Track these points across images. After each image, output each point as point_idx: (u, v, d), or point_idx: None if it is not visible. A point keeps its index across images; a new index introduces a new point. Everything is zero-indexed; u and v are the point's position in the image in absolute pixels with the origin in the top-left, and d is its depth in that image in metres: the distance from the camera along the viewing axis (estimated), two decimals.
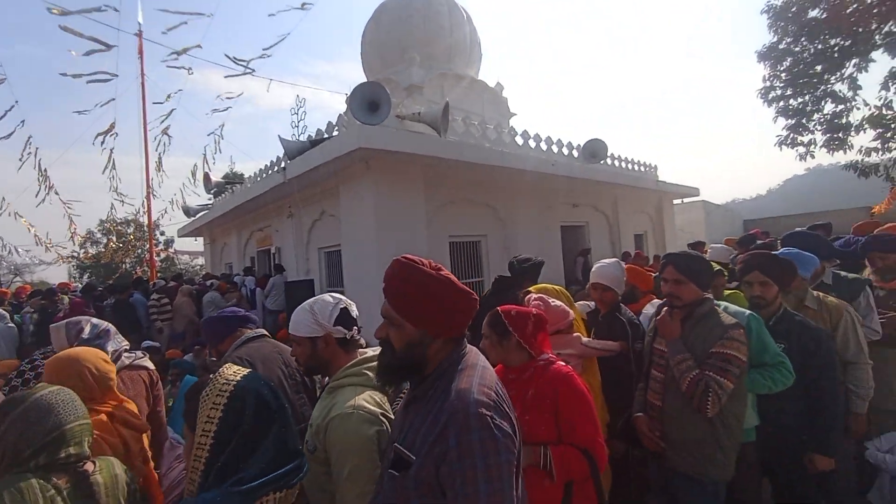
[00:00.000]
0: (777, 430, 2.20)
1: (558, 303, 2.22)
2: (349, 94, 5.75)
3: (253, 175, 9.08)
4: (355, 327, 1.60)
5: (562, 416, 1.59)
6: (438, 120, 5.93)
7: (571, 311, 2.29)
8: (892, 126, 8.59)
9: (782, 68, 9.19)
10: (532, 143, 7.74)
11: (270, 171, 7.64)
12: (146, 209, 14.77)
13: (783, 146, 9.70)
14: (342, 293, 6.40)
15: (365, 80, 9.75)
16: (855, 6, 7.96)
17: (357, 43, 10.94)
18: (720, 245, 4.94)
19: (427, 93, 8.71)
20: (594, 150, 8.32)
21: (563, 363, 1.74)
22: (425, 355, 1.08)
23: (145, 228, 17.70)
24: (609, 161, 9.15)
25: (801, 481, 2.21)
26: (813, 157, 9.57)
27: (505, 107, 10.44)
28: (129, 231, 23.04)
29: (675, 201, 12.71)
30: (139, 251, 22.68)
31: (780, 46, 9.06)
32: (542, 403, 1.62)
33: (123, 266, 21.12)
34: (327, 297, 1.61)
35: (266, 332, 2.13)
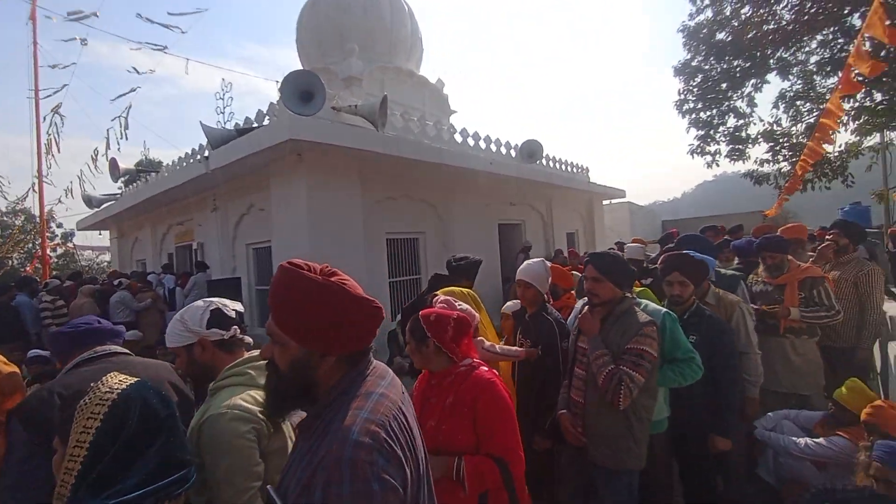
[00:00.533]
0: (686, 414, 2.38)
1: (465, 306, 2.18)
2: (281, 82, 5.41)
3: (171, 164, 8.33)
4: (234, 326, 1.54)
5: (480, 424, 1.56)
6: (376, 113, 5.76)
7: (477, 315, 2.27)
8: (781, 141, 9.80)
9: (694, 84, 10.11)
10: (471, 142, 7.79)
11: (192, 161, 7.02)
12: (39, 197, 12.94)
13: (694, 154, 10.66)
14: None
15: (301, 67, 9.31)
16: (754, 33, 8.91)
17: (293, 28, 10.38)
18: (634, 244, 5.25)
19: (366, 86, 8.47)
20: (531, 150, 8.55)
21: (487, 368, 1.70)
22: (314, 378, 0.91)
23: (37, 219, 15.55)
24: (545, 161, 9.47)
25: (703, 461, 2.45)
26: (718, 165, 10.63)
27: (446, 103, 10.44)
28: (16, 222, 20.15)
29: (605, 202, 13.45)
30: (30, 245, 19.78)
31: (693, 63, 9.97)
32: (461, 410, 1.58)
33: (10, 262, 18.46)
34: (198, 302, 1.57)
35: (123, 350, 1.71)
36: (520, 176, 8.01)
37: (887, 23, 2.77)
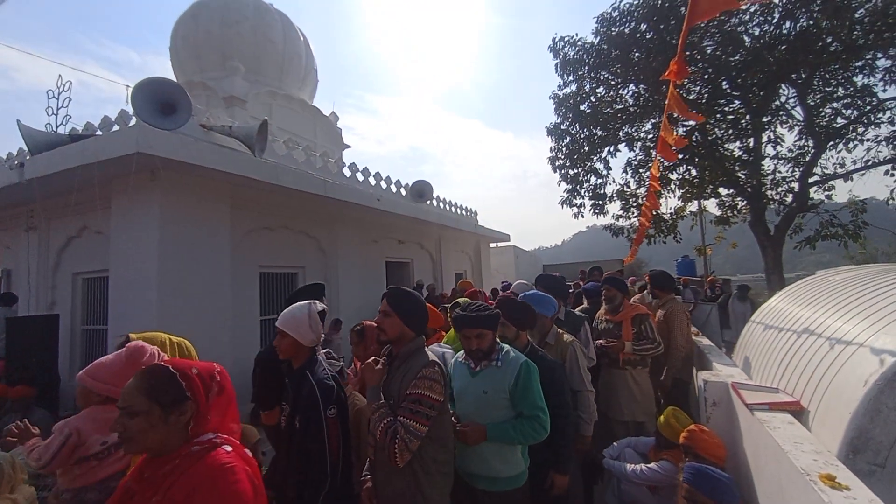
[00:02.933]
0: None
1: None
2: (133, 88, 4.70)
3: None
4: None
5: None
6: (254, 137, 5.33)
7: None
8: (630, 201, 11.49)
9: (563, 144, 11.53)
10: (360, 177, 7.65)
11: (2, 167, 5.71)
12: None
13: (564, 205, 11.93)
14: (104, 332, 5.04)
15: (175, 80, 8.42)
16: (607, 110, 10.57)
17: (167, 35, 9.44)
18: (521, 282, 5.54)
19: (251, 108, 7.94)
20: (421, 190, 8.69)
21: (231, 449, 1.23)
22: None
23: None
24: (435, 202, 9.69)
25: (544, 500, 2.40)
26: (583, 216, 12.06)
27: (338, 137, 10.26)
28: None
29: (491, 245, 14.20)
30: None
31: (562, 127, 11.40)
32: None
33: None
34: None
35: None
36: (409, 215, 8.03)
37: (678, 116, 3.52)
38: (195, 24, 8.78)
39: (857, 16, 8.19)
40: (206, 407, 1.23)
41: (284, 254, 6.30)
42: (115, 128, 5.27)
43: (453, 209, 10.87)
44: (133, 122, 5.02)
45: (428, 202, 8.95)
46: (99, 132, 5.27)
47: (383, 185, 8.19)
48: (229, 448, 1.22)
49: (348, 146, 10.32)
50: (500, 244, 15.31)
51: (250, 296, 5.73)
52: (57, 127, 6.13)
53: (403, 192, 8.72)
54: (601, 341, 3.66)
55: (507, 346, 2.22)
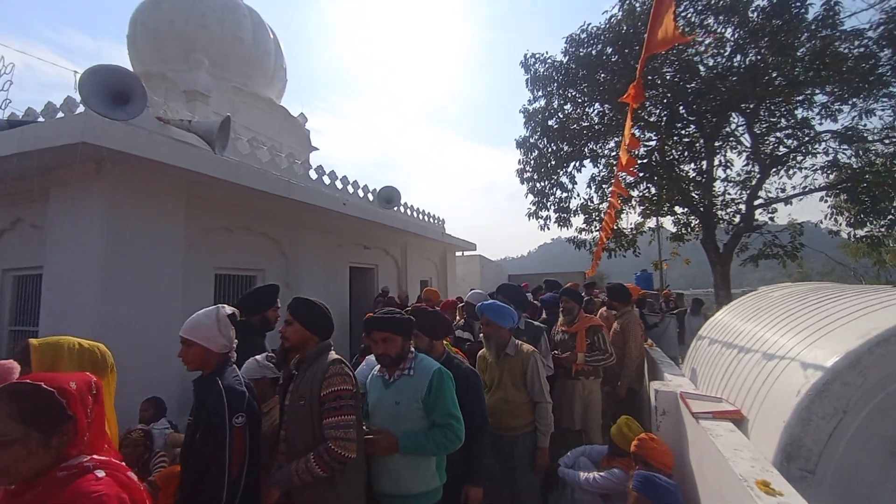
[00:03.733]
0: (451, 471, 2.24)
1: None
2: (81, 74, 4.40)
3: None
4: None
5: None
6: (214, 133, 5.13)
7: (93, 378, 1.60)
8: (593, 214, 11.89)
9: (531, 157, 11.81)
10: (326, 180, 7.52)
11: None
12: None
13: (531, 218, 12.19)
14: (34, 333, 4.66)
15: (131, 69, 8.01)
16: (574, 127, 10.95)
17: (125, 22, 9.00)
18: (476, 292, 5.57)
19: (214, 104, 7.66)
20: (389, 196, 8.64)
21: (104, 475, 1.08)
22: None
23: None
24: (402, 209, 9.65)
25: None
26: (549, 228, 12.36)
27: (306, 138, 10.06)
28: None
29: (458, 253, 14.25)
30: None
31: (531, 140, 11.68)
32: None
33: None
34: None
35: None
36: (375, 220, 7.94)
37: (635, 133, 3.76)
38: (157, 12, 8.40)
39: (798, 54, 8.91)
40: (84, 426, 1.11)
41: (243, 256, 6.07)
42: (60, 115, 4.94)
43: (421, 216, 10.86)
44: (80, 109, 4.72)
45: (395, 208, 8.89)
46: (41, 118, 4.92)
47: (350, 189, 8.08)
48: (102, 473, 1.07)
49: (316, 148, 10.14)
50: (466, 253, 15.41)
51: (204, 299, 5.46)
52: None
53: (371, 197, 8.63)
54: (556, 352, 3.75)
55: (421, 355, 2.15)
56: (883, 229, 9.97)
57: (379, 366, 2.16)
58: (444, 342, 2.84)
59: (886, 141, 9.37)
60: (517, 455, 2.81)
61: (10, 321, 5.30)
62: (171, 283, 4.90)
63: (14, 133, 4.20)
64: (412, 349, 2.14)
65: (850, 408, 1.87)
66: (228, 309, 2.04)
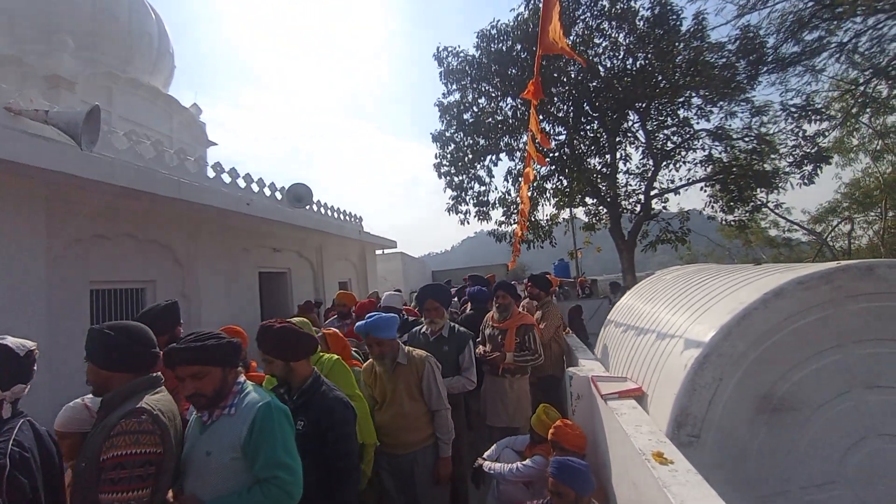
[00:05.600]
0: None
1: None
2: None
3: None
4: None
5: None
6: (80, 126, 4.40)
7: None
8: (511, 207, 12.31)
9: (448, 151, 11.89)
10: (227, 178, 6.87)
11: None
12: None
13: (450, 212, 12.32)
14: None
15: None
16: (489, 121, 11.22)
17: None
18: (392, 293, 5.43)
19: (84, 92, 6.65)
20: (299, 194, 8.13)
21: None
22: None
23: None
24: (315, 207, 9.17)
25: None
26: (469, 223, 12.58)
27: (202, 132, 9.14)
28: None
29: (378, 252, 13.94)
30: None
31: (447, 134, 11.75)
32: None
33: None
34: None
35: None
36: (285, 221, 7.43)
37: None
38: None
39: (677, 61, 10.04)
40: None
41: (127, 267, 5.32)
42: None
43: (336, 215, 10.43)
44: None
45: (307, 207, 8.41)
46: None
47: (255, 187, 7.47)
48: None
49: (214, 143, 9.25)
50: (386, 251, 15.14)
51: (78, 320, 4.71)
52: None
53: (279, 195, 8.08)
54: (483, 348, 3.74)
55: (250, 386, 1.68)
56: (747, 214, 11.67)
57: None
58: (340, 358, 2.57)
59: (746, 139, 10.92)
60: (417, 472, 2.61)
61: None
62: (30, 304, 4.15)
63: None
64: (241, 379, 1.67)
65: (724, 375, 2.09)
66: (28, 345, 1.62)
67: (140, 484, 1.34)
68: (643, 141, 11.89)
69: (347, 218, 10.99)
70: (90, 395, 1.82)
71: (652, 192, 11.82)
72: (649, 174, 11.94)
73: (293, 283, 8.63)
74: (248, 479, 1.52)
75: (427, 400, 2.63)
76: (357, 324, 2.71)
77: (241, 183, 7.14)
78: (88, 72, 6.85)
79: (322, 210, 9.69)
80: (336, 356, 2.63)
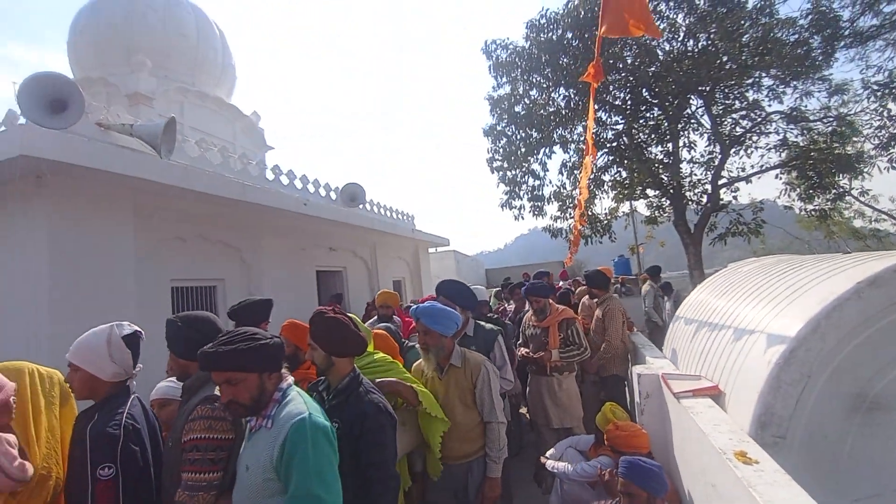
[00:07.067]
0: None
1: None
2: (19, 84, 4.16)
3: None
4: None
5: None
6: (159, 137, 4.83)
7: (8, 387, 1.55)
8: (567, 202, 11.90)
9: (500, 145, 11.69)
10: (285, 180, 7.22)
11: None
12: None
13: (504, 208, 12.11)
14: None
15: (72, 76, 7.54)
16: (542, 113, 10.91)
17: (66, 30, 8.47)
18: (479, 287, 5.43)
19: (159, 106, 7.28)
20: (353, 193, 8.38)
21: None
22: None
23: None
24: (368, 206, 9.41)
25: None
26: (524, 218, 12.31)
27: (261, 138, 9.70)
28: None
29: (430, 250, 14.07)
30: None
31: (498, 128, 11.56)
32: None
33: None
34: None
35: None
36: (340, 220, 7.69)
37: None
38: (96, 15, 7.93)
39: (744, 40, 9.28)
40: None
41: (201, 266, 5.75)
42: (2, 129, 4.58)
43: (388, 213, 10.63)
44: (21, 121, 4.39)
45: (361, 206, 8.65)
46: None
47: (311, 188, 7.79)
48: None
49: (271, 147, 9.77)
50: (439, 249, 15.26)
51: (161, 313, 5.13)
52: None
53: (334, 195, 8.37)
54: (525, 350, 3.65)
55: (292, 393, 1.52)
56: (829, 203, 10.60)
57: None
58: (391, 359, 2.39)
59: (825, 121, 9.88)
60: (471, 484, 2.35)
61: None
62: (123, 299, 4.59)
63: None
64: (284, 385, 1.52)
65: (813, 371, 1.93)
66: (128, 328, 1.76)
67: (212, 467, 1.44)
68: (709, 127, 11.09)
69: (400, 216, 11.18)
70: None
71: (720, 182, 11.01)
72: (716, 162, 11.13)
73: (349, 281, 8.93)
74: (283, 501, 1.37)
75: (479, 409, 2.37)
76: (416, 306, 2.58)
77: (298, 184, 7.48)
78: (163, 88, 7.49)
79: (375, 209, 9.92)
80: (384, 354, 2.47)
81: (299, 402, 1.46)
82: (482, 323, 3.21)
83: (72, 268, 4.18)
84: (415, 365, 2.59)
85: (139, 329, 1.83)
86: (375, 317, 4.73)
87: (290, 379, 1.56)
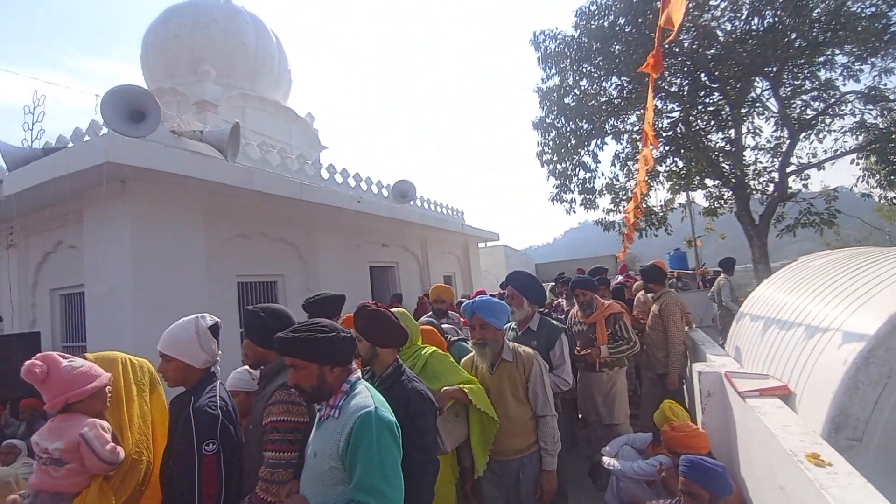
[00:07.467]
0: None
1: (80, 363, 1.66)
2: (102, 96, 4.61)
3: None
4: None
5: None
6: (225, 141, 5.20)
7: (104, 376, 1.70)
8: (620, 194, 11.47)
9: (549, 138, 11.43)
10: (339, 178, 7.52)
11: None
12: None
13: (554, 202, 11.85)
14: (83, 349, 4.87)
15: (145, 87, 8.26)
16: (593, 103, 10.56)
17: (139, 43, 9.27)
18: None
19: (224, 112, 7.80)
20: (403, 190, 8.58)
21: None
22: None
23: None
24: (419, 203, 9.58)
25: None
26: (575, 212, 11.99)
27: (315, 138, 10.13)
28: None
29: (480, 245, 14.09)
30: None
31: (548, 120, 11.31)
32: None
33: None
34: None
35: None
36: (391, 216, 7.91)
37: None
38: (165, 29, 8.63)
39: (815, 14, 8.49)
40: None
41: (263, 262, 6.14)
42: (87, 138, 5.13)
43: (438, 209, 10.76)
44: (104, 131, 4.89)
45: (411, 203, 8.83)
46: (70, 144, 5.13)
47: (364, 185, 8.06)
48: None
49: (325, 147, 10.18)
50: (489, 244, 15.24)
51: (228, 307, 5.57)
52: (32, 142, 6.01)
53: (385, 192, 8.60)
54: (577, 347, 3.60)
55: (360, 387, 1.55)
56: None
57: None
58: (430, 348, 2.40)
59: None
60: (523, 480, 2.35)
61: (61, 338, 5.57)
62: (196, 292, 5.00)
63: (47, 160, 4.39)
64: (352, 378, 1.56)
65: (893, 372, 1.82)
66: (210, 319, 1.91)
67: (290, 447, 1.57)
68: (776, 110, 10.27)
69: (449, 212, 11.28)
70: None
71: (788, 169, 10.18)
72: (784, 148, 10.29)
73: (400, 276, 9.16)
74: (347, 491, 1.41)
75: (532, 403, 2.37)
76: (464, 303, 2.58)
77: (352, 182, 7.76)
78: (226, 94, 8.02)
79: (425, 205, 10.08)
80: (433, 347, 2.49)
81: (366, 396, 1.50)
82: (548, 318, 3.17)
83: (151, 265, 4.61)
84: (462, 360, 2.59)
85: (219, 320, 2.01)
86: (431, 313, 4.63)
87: (359, 373, 1.62)
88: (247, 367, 2.27)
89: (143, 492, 1.72)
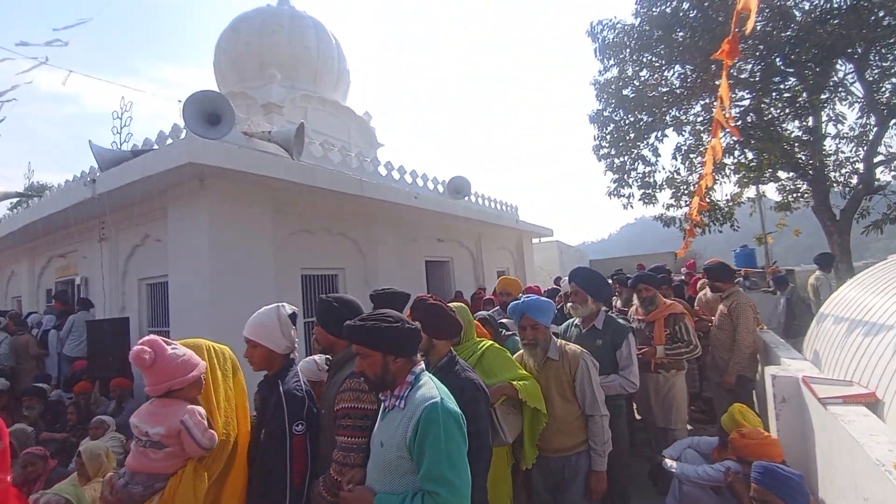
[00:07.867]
0: None
1: (182, 350, 1.72)
2: (184, 102, 5.03)
3: (56, 187, 7.36)
4: None
5: None
6: (291, 141, 5.52)
7: (201, 365, 1.75)
8: (681, 188, 10.89)
9: (606, 132, 11.05)
10: (396, 175, 7.73)
11: (78, 184, 6.25)
12: None
13: (611, 196, 11.48)
14: (167, 333, 5.38)
15: (217, 91, 8.92)
16: (653, 94, 10.07)
17: (212, 51, 9.98)
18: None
19: (288, 113, 8.23)
20: (458, 186, 8.66)
21: None
22: None
23: None
24: (473, 198, 9.64)
25: None
26: (633, 207, 11.55)
27: (372, 136, 10.44)
28: None
29: (534, 240, 13.93)
30: None
31: (605, 113, 10.93)
32: None
33: None
34: None
35: None
36: (446, 212, 8.02)
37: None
38: (235, 37, 9.25)
39: None
40: None
41: (325, 256, 6.46)
42: (169, 141, 5.63)
43: (492, 204, 10.75)
44: (184, 133, 5.34)
45: (466, 198, 8.90)
46: (155, 146, 5.64)
47: (420, 182, 8.22)
48: None
49: (382, 144, 10.50)
50: (542, 239, 15.03)
51: (293, 298, 5.91)
52: (121, 144, 6.70)
53: (441, 188, 8.72)
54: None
55: (424, 380, 1.54)
56: None
57: None
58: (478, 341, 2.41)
59: None
60: (569, 479, 2.35)
61: (147, 323, 6.16)
62: (265, 285, 5.35)
63: (137, 162, 4.88)
64: (416, 369, 1.56)
65: None
66: (289, 308, 2.00)
67: (360, 433, 1.64)
68: (861, 96, 9.28)
69: (503, 207, 11.25)
70: (320, 356, 2.37)
71: (875, 159, 9.20)
72: (871, 136, 9.29)
73: (455, 271, 9.27)
74: (415, 480, 1.40)
75: (580, 402, 2.35)
76: (512, 303, 2.57)
77: (408, 178, 7.94)
78: (290, 96, 8.47)
79: (479, 200, 10.12)
80: (490, 342, 2.50)
81: (431, 387, 1.50)
82: (614, 317, 3.07)
83: (226, 257, 4.98)
84: (514, 356, 2.59)
85: (296, 309, 2.14)
86: (498, 307, 4.45)
87: (423, 364, 1.61)
88: (314, 357, 2.41)
89: (230, 472, 1.80)
